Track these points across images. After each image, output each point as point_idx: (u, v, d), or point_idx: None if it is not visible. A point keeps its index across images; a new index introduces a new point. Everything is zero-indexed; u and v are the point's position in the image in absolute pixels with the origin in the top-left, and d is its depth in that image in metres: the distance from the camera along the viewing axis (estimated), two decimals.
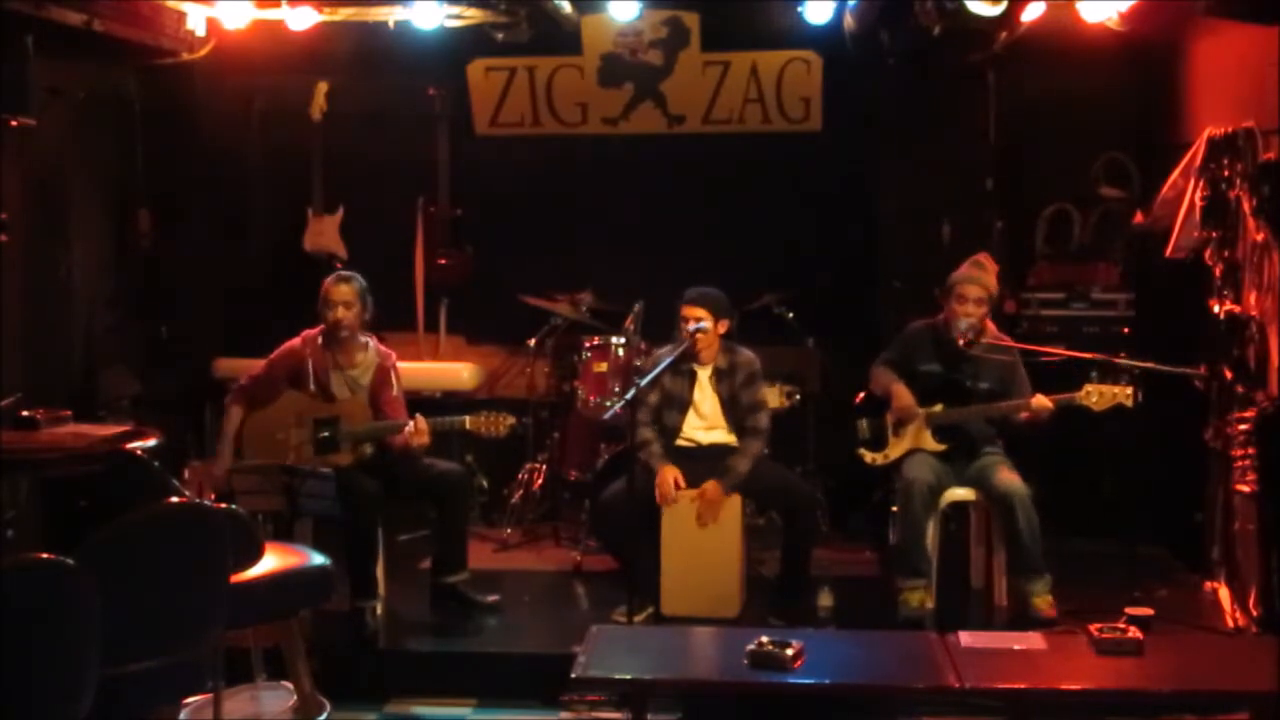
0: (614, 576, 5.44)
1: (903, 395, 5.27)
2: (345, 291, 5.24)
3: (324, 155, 6.92)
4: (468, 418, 5.21)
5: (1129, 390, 4.95)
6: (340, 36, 6.39)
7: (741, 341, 5.47)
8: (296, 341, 5.36)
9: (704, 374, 5.40)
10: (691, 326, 5.25)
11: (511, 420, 5.25)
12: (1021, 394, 5.18)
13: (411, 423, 5.13)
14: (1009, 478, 5.10)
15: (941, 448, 5.25)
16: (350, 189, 6.97)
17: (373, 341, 5.42)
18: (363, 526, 5.13)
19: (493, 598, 5.40)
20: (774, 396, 5.95)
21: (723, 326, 5.34)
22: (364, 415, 5.27)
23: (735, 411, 5.36)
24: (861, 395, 5.47)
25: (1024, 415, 5.14)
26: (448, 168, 7.01)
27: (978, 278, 5.23)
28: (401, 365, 5.55)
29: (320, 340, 5.32)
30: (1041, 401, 5.07)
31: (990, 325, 5.28)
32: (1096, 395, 4.96)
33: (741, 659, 3.73)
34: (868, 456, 5.37)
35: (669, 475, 5.21)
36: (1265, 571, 4.87)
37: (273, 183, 7.25)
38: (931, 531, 5.17)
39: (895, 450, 5.31)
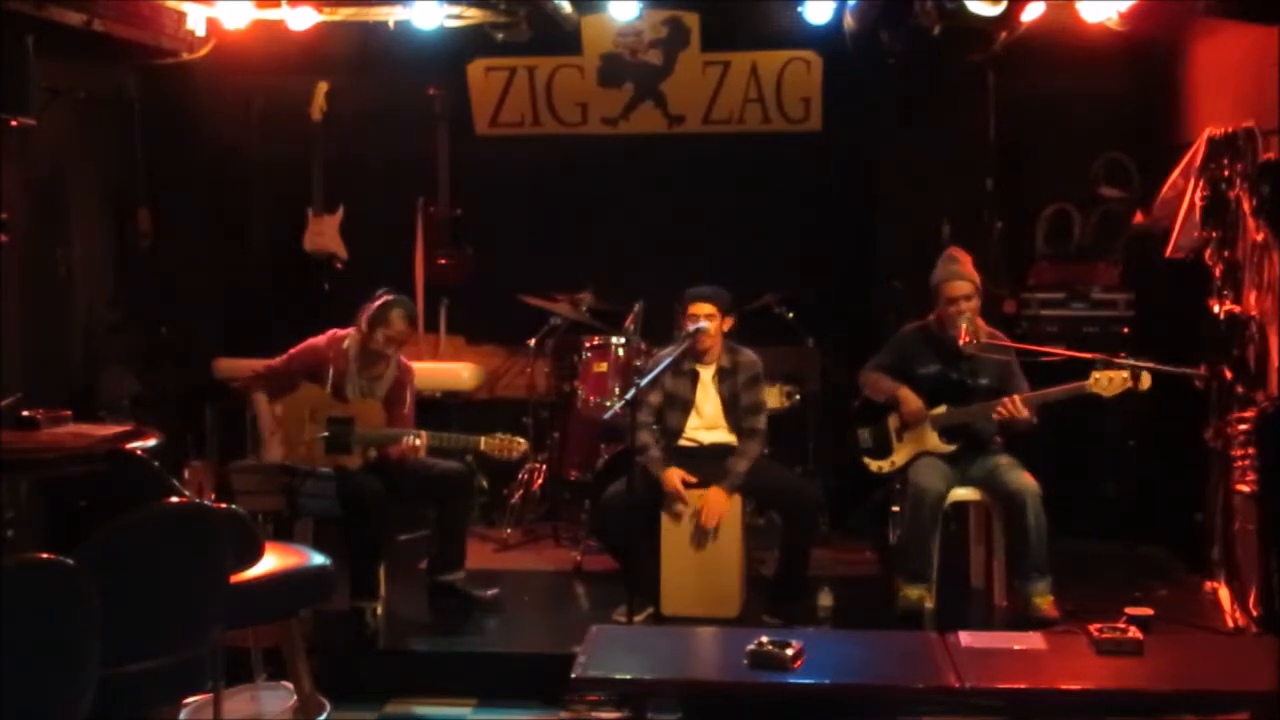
0: (614, 576, 5.44)
1: (910, 399, 5.23)
2: (407, 332, 5.31)
3: (324, 155, 6.92)
4: (483, 438, 5.20)
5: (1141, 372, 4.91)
6: (340, 36, 6.40)
7: (741, 341, 5.47)
8: (321, 341, 5.34)
9: (706, 374, 5.39)
10: (699, 325, 5.23)
11: (524, 445, 5.27)
12: (1019, 388, 5.16)
13: (413, 435, 5.16)
14: (1021, 477, 5.07)
15: (950, 449, 5.22)
16: (350, 189, 6.97)
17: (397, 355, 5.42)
18: (363, 526, 5.13)
19: (492, 592, 5.41)
20: (774, 396, 5.95)
21: (727, 324, 5.34)
22: (378, 420, 5.27)
23: (735, 411, 5.35)
24: (857, 404, 5.43)
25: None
26: (448, 168, 7.01)
27: (960, 273, 5.21)
28: None
29: (346, 345, 5.30)
30: (1015, 406, 5.02)
31: (980, 321, 5.26)
32: (1106, 381, 4.90)
33: (741, 659, 3.73)
34: (873, 465, 5.33)
35: (675, 477, 5.20)
36: (1265, 571, 4.86)
37: (273, 183, 7.25)
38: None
39: (901, 455, 5.29)
